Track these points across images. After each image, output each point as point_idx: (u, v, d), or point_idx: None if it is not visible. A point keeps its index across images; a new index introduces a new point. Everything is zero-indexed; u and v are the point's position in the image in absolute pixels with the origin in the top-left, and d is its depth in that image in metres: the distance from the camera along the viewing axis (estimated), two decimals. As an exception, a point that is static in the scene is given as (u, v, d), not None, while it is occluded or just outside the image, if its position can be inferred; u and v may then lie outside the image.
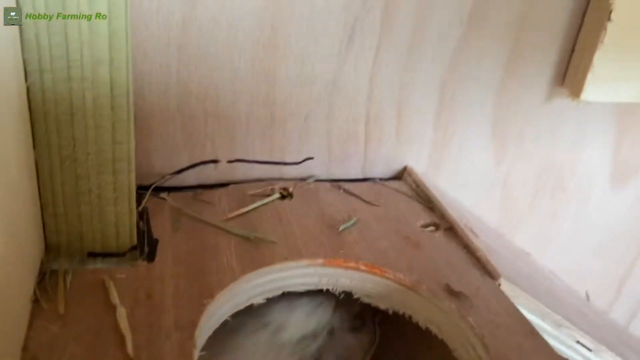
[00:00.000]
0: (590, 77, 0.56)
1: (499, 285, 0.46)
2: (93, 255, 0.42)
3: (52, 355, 0.33)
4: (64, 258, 0.41)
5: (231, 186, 0.53)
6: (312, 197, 0.53)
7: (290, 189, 0.54)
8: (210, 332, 0.40)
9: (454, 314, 0.42)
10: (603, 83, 0.56)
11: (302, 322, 0.49)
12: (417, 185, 0.57)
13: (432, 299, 0.43)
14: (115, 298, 0.38)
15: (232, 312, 0.42)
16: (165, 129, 0.50)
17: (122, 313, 0.37)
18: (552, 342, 0.45)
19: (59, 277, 0.39)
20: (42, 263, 0.40)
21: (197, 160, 0.52)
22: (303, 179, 0.56)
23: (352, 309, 0.51)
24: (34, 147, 0.37)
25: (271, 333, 0.48)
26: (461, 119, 0.59)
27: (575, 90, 0.57)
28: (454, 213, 0.53)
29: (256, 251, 0.44)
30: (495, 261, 0.48)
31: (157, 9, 0.45)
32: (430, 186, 0.56)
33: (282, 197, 0.53)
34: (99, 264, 0.41)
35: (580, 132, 0.64)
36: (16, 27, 0.34)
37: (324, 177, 0.57)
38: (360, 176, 0.59)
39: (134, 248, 0.42)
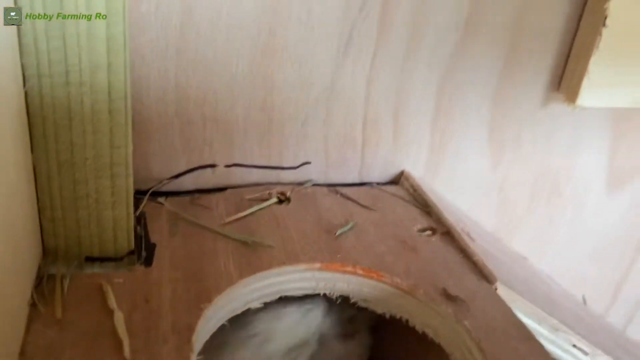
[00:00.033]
0: (585, 83, 0.56)
1: (496, 289, 0.46)
2: (91, 259, 0.42)
3: (50, 360, 0.33)
4: (61, 262, 0.41)
5: (229, 191, 0.53)
6: (310, 202, 0.54)
7: (288, 194, 0.54)
8: (207, 337, 0.40)
9: (451, 318, 0.42)
10: (598, 88, 0.57)
11: (289, 331, 0.48)
12: (414, 190, 0.58)
13: (428, 303, 0.44)
14: (112, 302, 0.38)
15: (229, 317, 0.42)
16: (163, 134, 0.50)
17: (119, 317, 0.37)
18: (548, 346, 0.45)
19: (57, 281, 0.39)
20: (39, 267, 0.40)
21: (195, 165, 0.52)
22: (300, 184, 0.56)
23: (343, 315, 0.51)
24: (32, 151, 0.38)
25: (258, 345, 0.47)
26: (458, 123, 0.59)
27: (571, 96, 0.57)
28: (450, 217, 0.53)
29: (254, 255, 0.45)
30: (492, 265, 0.48)
31: (155, 13, 0.45)
32: (427, 190, 0.57)
33: (280, 201, 0.53)
34: (96, 269, 0.41)
35: (576, 138, 0.64)
36: (15, 32, 0.34)
37: (321, 181, 0.57)
38: (357, 181, 0.59)
39: (131, 252, 0.42)
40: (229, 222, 0.48)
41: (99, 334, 0.36)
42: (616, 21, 0.53)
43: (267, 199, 0.52)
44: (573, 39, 0.57)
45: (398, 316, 0.45)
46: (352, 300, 0.46)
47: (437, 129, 0.59)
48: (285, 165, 0.55)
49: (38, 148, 0.37)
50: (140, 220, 0.47)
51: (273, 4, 0.48)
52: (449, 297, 0.43)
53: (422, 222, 0.53)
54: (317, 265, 0.45)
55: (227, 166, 0.54)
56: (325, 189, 0.56)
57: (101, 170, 0.39)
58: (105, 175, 0.39)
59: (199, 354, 0.38)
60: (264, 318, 0.48)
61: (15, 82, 0.34)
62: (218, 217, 0.49)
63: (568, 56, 0.58)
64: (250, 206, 0.51)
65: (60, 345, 0.34)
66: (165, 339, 0.36)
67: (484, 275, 0.47)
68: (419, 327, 0.45)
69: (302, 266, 0.45)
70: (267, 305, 0.45)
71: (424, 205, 0.56)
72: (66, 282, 0.39)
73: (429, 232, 0.52)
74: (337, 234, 0.49)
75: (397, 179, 0.60)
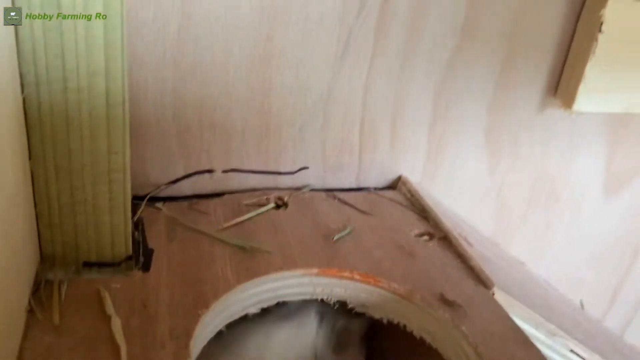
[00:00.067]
0: (582, 88, 0.56)
1: (493, 294, 0.46)
2: (88, 265, 0.42)
3: (47, 366, 0.33)
4: (59, 268, 0.41)
5: (226, 196, 0.54)
6: (307, 207, 0.54)
7: (286, 199, 0.54)
8: (205, 342, 0.40)
9: (448, 323, 0.42)
10: (595, 94, 0.57)
11: (285, 346, 0.48)
12: (412, 195, 0.58)
13: (426, 308, 0.44)
14: (110, 308, 0.38)
15: (227, 322, 0.42)
16: (160, 139, 0.50)
17: (117, 323, 0.37)
18: (546, 351, 0.45)
19: (54, 287, 0.39)
20: (37, 273, 0.40)
21: (193, 170, 0.52)
22: (298, 189, 0.56)
23: (336, 326, 0.51)
24: (30, 157, 0.38)
25: None
26: (455, 129, 0.59)
27: (568, 101, 0.58)
28: (448, 222, 0.53)
29: (251, 261, 0.45)
30: (489, 270, 0.48)
31: (153, 19, 0.46)
32: (425, 195, 0.57)
33: (277, 206, 0.53)
34: (94, 274, 0.41)
35: (573, 143, 0.65)
36: (13, 39, 0.34)
37: (319, 186, 0.57)
38: (355, 186, 0.59)
39: (129, 258, 0.42)
40: (227, 228, 0.48)
41: (97, 339, 0.36)
42: (612, 27, 0.54)
43: (264, 204, 0.53)
44: (569, 44, 0.58)
45: (395, 321, 0.46)
46: (350, 306, 0.47)
47: (434, 134, 0.59)
48: (282, 170, 0.56)
49: (36, 154, 0.38)
50: (138, 225, 0.47)
51: (271, 10, 0.48)
52: (446, 302, 0.43)
53: (420, 227, 0.53)
54: (315, 270, 0.45)
55: (225, 171, 0.54)
56: (322, 194, 0.57)
57: (99, 176, 0.39)
58: (103, 181, 0.39)
59: None
60: (255, 338, 0.47)
61: (13, 89, 0.34)
62: (216, 223, 0.49)
63: (564, 62, 0.58)
64: (248, 211, 0.51)
65: (57, 351, 0.34)
66: (162, 345, 0.36)
67: (482, 281, 0.47)
68: (416, 332, 0.45)
69: (299, 271, 0.45)
70: (261, 321, 0.45)
71: (421, 210, 0.56)
72: (64, 288, 0.39)
73: (426, 237, 0.52)
74: (334, 239, 0.49)
75: (395, 184, 0.60)
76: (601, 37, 0.54)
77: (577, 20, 0.57)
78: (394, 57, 0.53)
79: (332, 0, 0.49)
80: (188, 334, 0.37)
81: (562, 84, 0.59)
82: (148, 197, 0.50)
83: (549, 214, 0.69)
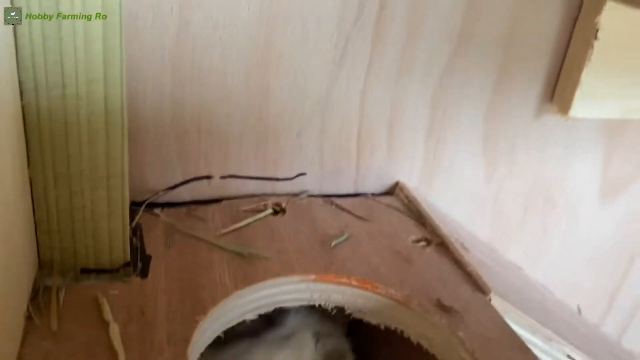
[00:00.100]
0: (578, 94, 0.57)
1: (490, 300, 0.46)
2: (86, 271, 0.42)
3: (45, 372, 0.33)
4: (57, 274, 0.41)
5: (224, 202, 0.54)
6: (305, 213, 0.54)
7: (283, 205, 0.54)
8: (202, 348, 0.40)
9: (445, 329, 0.42)
10: (591, 100, 0.57)
11: None
12: (409, 201, 0.58)
13: (423, 314, 0.44)
14: (108, 314, 0.38)
15: (224, 328, 0.42)
16: (159, 145, 0.50)
17: (115, 329, 0.37)
18: (542, 356, 0.46)
19: (52, 293, 0.39)
20: (35, 279, 0.40)
21: (191, 176, 0.53)
22: (296, 195, 0.56)
23: (328, 343, 0.51)
24: (29, 163, 0.38)
25: None
26: (452, 135, 0.59)
27: (564, 107, 0.58)
28: (445, 228, 0.54)
29: (249, 267, 0.45)
30: (486, 276, 0.48)
31: (151, 25, 0.46)
32: (422, 201, 0.57)
33: (275, 212, 0.53)
34: (92, 280, 0.41)
35: (570, 148, 0.65)
36: (13, 46, 0.34)
37: (316, 192, 0.58)
38: (352, 191, 0.59)
39: (127, 264, 0.42)
40: (225, 234, 0.48)
41: (95, 346, 0.36)
42: (607, 34, 0.54)
43: (262, 210, 0.53)
44: (565, 51, 0.58)
45: (393, 327, 0.46)
46: (347, 312, 0.47)
47: (431, 141, 0.59)
48: (280, 176, 0.56)
49: (34, 161, 0.38)
50: (136, 231, 0.47)
51: (269, 17, 0.48)
52: (443, 308, 0.44)
53: (417, 233, 0.54)
54: (312, 276, 0.45)
55: (223, 177, 0.54)
56: (320, 200, 0.57)
57: (97, 181, 0.39)
58: (102, 187, 0.39)
59: None
60: (258, 356, 0.47)
61: (13, 96, 0.34)
62: (214, 229, 0.49)
63: (560, 68, 0.59)
64: (246, 217, 0.51)
65: (55, 358, 0.34)
66: (160, 351, 0.36)
67: (478, 286, 0.47)
68: (413, 338, 0.45)
69: (297, 277, 0.45)
70: (259, 344, 0.45)
71: (418, 216, 0.56)
72: (62, 294, 0.39)
73: (423, 243, 0.52)
74: (332, 245, 0.49)
75: (392, 190, 0.60)
76: (597, 44, 0.55)
77: (573, 27, 0.57)
78: (391, 64, 0.54)
79: (329, 7, 0.49)
80: (186, 340, 0.37)
81: (558, 90, 0.59)
82: (146, 203, 0.51)
83: (546, 219, 0.69)
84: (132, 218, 0.47)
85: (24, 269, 0.37)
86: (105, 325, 0.37)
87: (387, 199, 0.59)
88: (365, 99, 0.54)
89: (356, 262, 0.47)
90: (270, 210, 0.53)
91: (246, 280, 0.43)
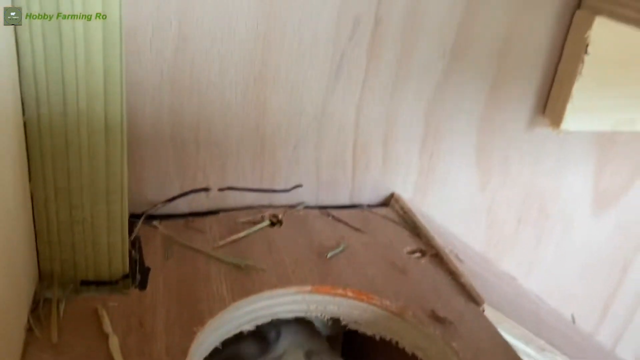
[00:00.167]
0: (569, 108, 0.57)
1: (483, 311, 0.47)
2: (86, 283, 0.42)
3: (46, 384, 0.34)
4: (57, 286, 0.41)
5: (222, 214, 0.54)
6: (301, 224, 0.55)
7: (280, 216, 0.55)
8: (200, 360, 0.41)
9: (439, 339, 0.43)
10: (582, 113, 0.58)
11: None
12: (404, 212, 0.59)
13: (417, 325, 0.44)
14: (107, 326, 0.39)
15: (222, 340, 0.43)
16: (157, 158, 0.51)
17: (114, 341, 0.37)
18: (535, 366, 0.46)
19: (53, 305, 0.40)
20: (35, 292, 0.41)
21: (189, 189, 0.53)
22: (292, 206, 0.57)
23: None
24: (30, 178, 0.38)
25: None
26: (446, 147, 0.60)
27: (556, 120, 0.59)
28: (439, 239, 0.54)
29: (246, 279, 0.45)
30: (480, 286, 0.49)
31: (150, 42, 0.47)
32: (417, 212, 0.58)
33: (272, 224, 0.54)
34: (92, 292, 0.42)
35: (562, 160, 0.66)
36: (15, 64, 0.35)
37: (312, 203, 0.58)
38: (348, 203, 0.60)
39: (126, 276, 0.43)
40: (222, 246, 0.49)
41: (95, 358, 0.36)
42: (597, 49, 0.55)
43: (259, 222, 0.53)
44: (557, 65, 0.59)
45: (388, 338, 0.46)
46: (343, 323, 0.47)
47: (426, 152, 0.60)
48: (277, 188, 0.56)
49: (36, 175, 0.38)
50: (134, 244, 0.48)
51: (266, 32, 0.49)
52: (437, 319, 0.44)
53: (412, 244, 0.54)
54: (308, 288, 0.46)
55: (221, 189, 0.54)
56: (316, 211, 0.57)
57: (97, 196, 0.40)
58: (101, 201, 0.40)
59: None
60: None
61: (15, 112, 0.35)
62: (211, 240, 0.50)
63: (552, 82, 0.60)
64: (243, 229, 0.52)
65: (56, 369, 0.35)
66: (159, 363, 0.36)
67: (472, 297, 0.48)
68: (408, 349, 0.45)
69: (293, 289, 0.45)
70: None
71: (413, 227, 0.57)
72: (62, 306, 0.40)
73: (418, 254, 0.53)
74: (328, 256, 0.50)
75: (387, 201, 0.61)
76: (587, 59, 0.56)
77: (564, 42, 0.58)
78: (385, 78, 0.55)
79: (325, 23, 0.50)
80: (184, 352, 0.37)
81: (550, 103, 0.60)
82: (145, 215, 0.51)
83: (539, 230, 0.70)
84: (130, 230, 0.47)
85: (24, 281, 0.38)
86: (104, 337, 0.38)
87: (383, 210, 0.60)
88: (360, 112, 0.55)
89: (352, 274, 0.48)
90: (267, 222, 0.54)
91: (243, 291, 0.44)
